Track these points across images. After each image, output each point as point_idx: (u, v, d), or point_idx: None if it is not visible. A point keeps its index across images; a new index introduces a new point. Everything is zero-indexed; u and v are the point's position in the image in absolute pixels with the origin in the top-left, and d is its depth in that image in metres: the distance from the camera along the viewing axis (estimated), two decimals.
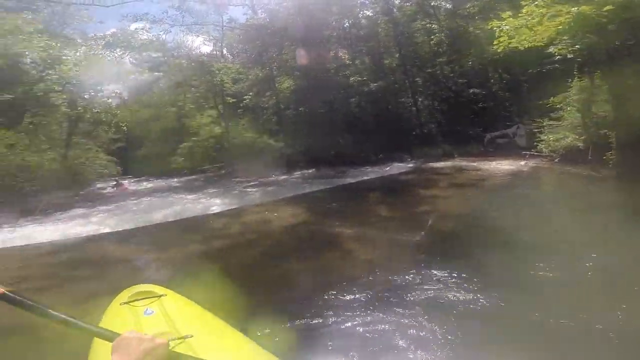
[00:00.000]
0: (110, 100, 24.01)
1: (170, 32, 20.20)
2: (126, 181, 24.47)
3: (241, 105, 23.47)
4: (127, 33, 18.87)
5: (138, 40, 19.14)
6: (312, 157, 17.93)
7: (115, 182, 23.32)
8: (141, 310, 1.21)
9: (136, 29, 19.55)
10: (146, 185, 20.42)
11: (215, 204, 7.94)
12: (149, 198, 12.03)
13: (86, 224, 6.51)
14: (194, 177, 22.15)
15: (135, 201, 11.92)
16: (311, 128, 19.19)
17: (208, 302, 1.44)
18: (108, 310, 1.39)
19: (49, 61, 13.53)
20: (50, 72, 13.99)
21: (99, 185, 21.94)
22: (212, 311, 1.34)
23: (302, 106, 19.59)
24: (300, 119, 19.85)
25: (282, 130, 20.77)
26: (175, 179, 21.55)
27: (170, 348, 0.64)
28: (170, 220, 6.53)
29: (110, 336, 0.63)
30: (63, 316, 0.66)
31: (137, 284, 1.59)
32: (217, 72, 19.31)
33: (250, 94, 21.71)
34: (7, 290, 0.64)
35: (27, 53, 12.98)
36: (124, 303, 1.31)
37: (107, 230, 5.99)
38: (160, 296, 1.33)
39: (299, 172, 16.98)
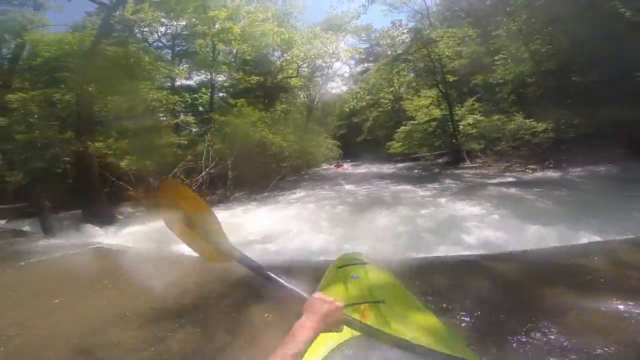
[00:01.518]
0: (334, 91, 25.89)
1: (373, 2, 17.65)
2: (345, 164, 26.19)
3: (469, 82, 18.22)
4: (336, 16, 18.47)
5: (345, 22, 18.33)
6: (601, 143, 10.29)
7: (336, 163, 25.49)
8: (350, 274, 1.33)
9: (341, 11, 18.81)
10: (360, 170, 19.93)
11: (473, 211, 4.20)
12: (363, 187, 10.32)
13: (288, 219, 4.89)
14: (407, 164, 19.73)
15: (350, 188, 10.61)
16: (593, 105, 11.20)
17: None
18: (329, 272, 1.53)
19: (282, 46, 14.70)
20: (286, 56, 15.29)
21: (324, 166, 24.35)
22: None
23: (566, 78, 11.74)
24: (568, 94, 12.12)
25: (526, 109, 13.66)
26: (387, 166, 19.97)
27: (346, 311, 0.72)
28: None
29: (303, 297, 0.75)
30: (274, 277, 0.82)
31: (348, 253, 1.71)
32: (434, 40, 15.24)
33: (497, 63, 15.98)
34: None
35: (264, 39, 14.39)
36: (339, 267, 1.47)
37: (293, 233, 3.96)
38: (365, 264, 1.45)
39: (587, 168, 10.06)
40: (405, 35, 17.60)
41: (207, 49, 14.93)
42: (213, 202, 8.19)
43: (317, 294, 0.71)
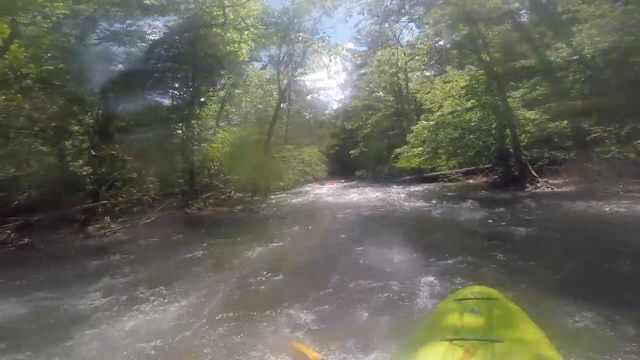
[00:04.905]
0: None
1: None
2: (335, 183, 20.25)
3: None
4: None
5: None
6: None
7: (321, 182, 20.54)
8: (469, 308, 1.24)
9: None
10: (352, 196, 12.38)
11: None
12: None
13: None
14: (428, 186, 12.26)
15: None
16: None
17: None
18: (443, 303, 1.43)
19: None
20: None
21: (306, 187, 17.60)
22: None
23: None
24: None
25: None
26: (394, 189, 12.44)
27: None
28: None
29: None
30: None
31: (477, 285, 1.60)
32: None
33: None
34: None
35: None
36: (459, 300, 1.35)
37: None
38: (493, 299, 1.33)
39: None
40: None
41: None
42: None
43: None
